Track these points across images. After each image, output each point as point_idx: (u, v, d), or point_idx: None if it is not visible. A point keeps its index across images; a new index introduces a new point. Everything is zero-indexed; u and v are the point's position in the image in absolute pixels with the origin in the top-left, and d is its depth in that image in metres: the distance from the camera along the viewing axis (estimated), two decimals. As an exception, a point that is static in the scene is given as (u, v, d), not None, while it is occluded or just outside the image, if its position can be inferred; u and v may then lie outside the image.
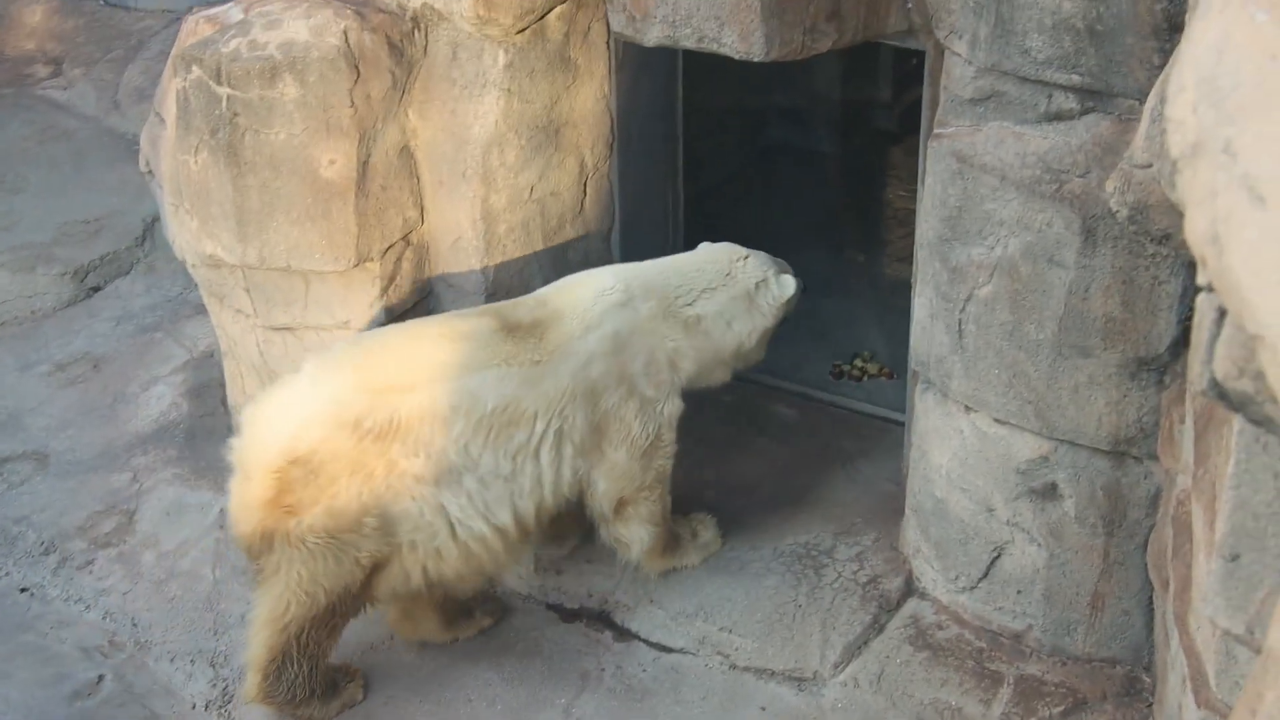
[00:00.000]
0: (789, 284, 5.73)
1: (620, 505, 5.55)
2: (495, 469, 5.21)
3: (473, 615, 5.78)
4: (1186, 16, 3.82)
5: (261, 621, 5.26)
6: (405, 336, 5.41)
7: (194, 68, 5.69)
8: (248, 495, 5.16)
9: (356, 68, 5.62)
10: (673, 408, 5.56)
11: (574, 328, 5.35)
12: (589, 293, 5.45)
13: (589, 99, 6.11)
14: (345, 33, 5.63)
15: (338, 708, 5.47)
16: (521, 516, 5.31)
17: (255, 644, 5.30)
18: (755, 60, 5.30)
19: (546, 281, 5.80)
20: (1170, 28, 4.36)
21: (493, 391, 5.17)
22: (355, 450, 5.06)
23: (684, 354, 5.56)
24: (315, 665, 5.34)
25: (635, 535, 5.63)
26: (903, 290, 5.89)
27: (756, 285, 5.69)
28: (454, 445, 5.15)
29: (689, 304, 5.58)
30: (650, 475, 5.56)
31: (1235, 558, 3.17)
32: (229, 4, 6.08)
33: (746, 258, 5.73)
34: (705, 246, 5.84)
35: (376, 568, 5.24)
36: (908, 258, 5.79)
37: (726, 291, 5.64)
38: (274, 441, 5.10)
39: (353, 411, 5.07)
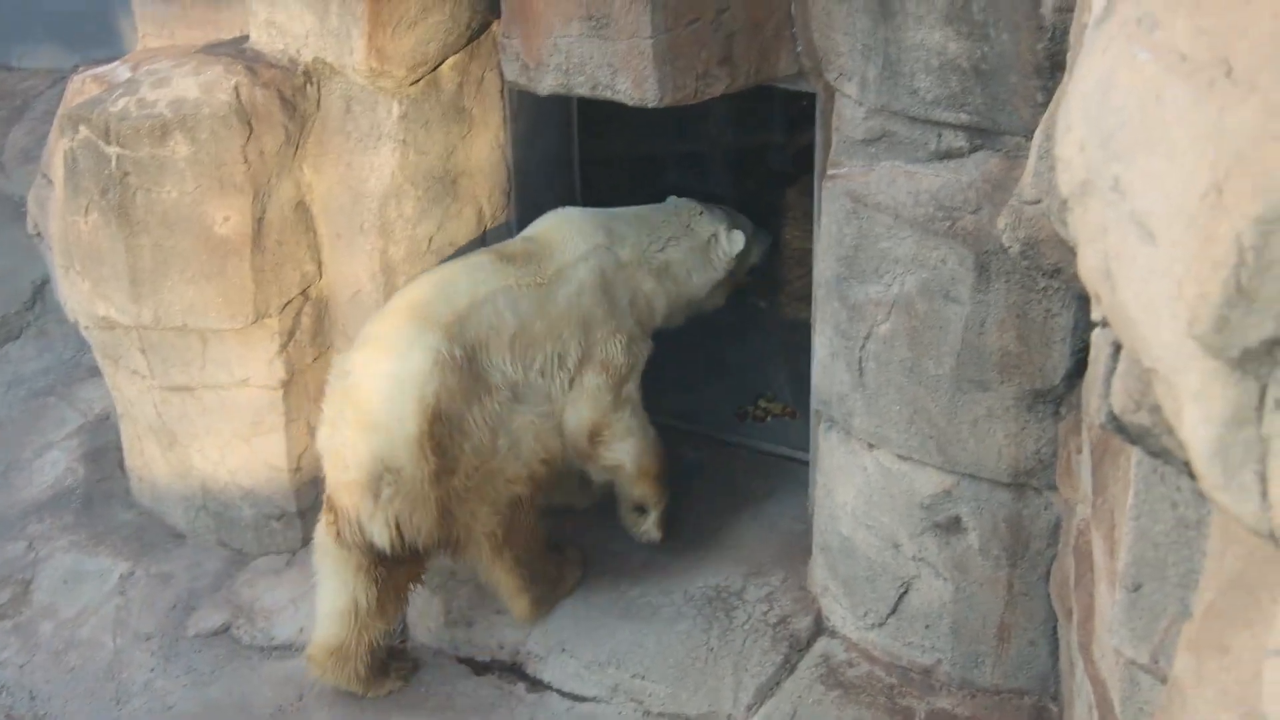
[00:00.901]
0: (737, 240, 6.14)
1: (595, 433, 5.72)
2: (538, 388, 5.52)
3: (387, 674, 5.68)
4: (1069, 56, 3.88)
5: (499, 569, 5.54)
6: (423, 281, 5.54)
7: (81, 127, 5.61)
8: (414, 493, 5.21)
9: (249, 123, 5.57)
10: (648, 347, 5.89)
11: (566, 258, 5.65)
12: (575, 232, 5.77)
13: (485, 148, 6.11)
14: (236, 89, 5.58)
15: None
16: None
17: (504, 583, 5.61)
18: (649, 106, 5.32)
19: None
20: (1052, 66, 4.44)
21: (511, 311, 5.43)
22: (462, 381, 5.23)
23: (657, 296, 5.93)
24: (544, 548, 5.76)
25: (622, 452, 5.82)
26: (803, 330, 5.93)
27: (709, 240, 6.09)
28: (507, 362, 5.40)
29: (660, 250, 5.96)
30: (622, 402, 5.78)
31: (1138, 588, 3.20)
32: (116, 63, 6.01)
33: (702, 213, 6.14)
34: (671, 200, 6.23)
35: (533, 482, 5.53)
36: (806, 297, 5.83)
37: (687, 242, 6.07)
38: (407, 414, 5.16)
39: (441, 347, 5.22)
